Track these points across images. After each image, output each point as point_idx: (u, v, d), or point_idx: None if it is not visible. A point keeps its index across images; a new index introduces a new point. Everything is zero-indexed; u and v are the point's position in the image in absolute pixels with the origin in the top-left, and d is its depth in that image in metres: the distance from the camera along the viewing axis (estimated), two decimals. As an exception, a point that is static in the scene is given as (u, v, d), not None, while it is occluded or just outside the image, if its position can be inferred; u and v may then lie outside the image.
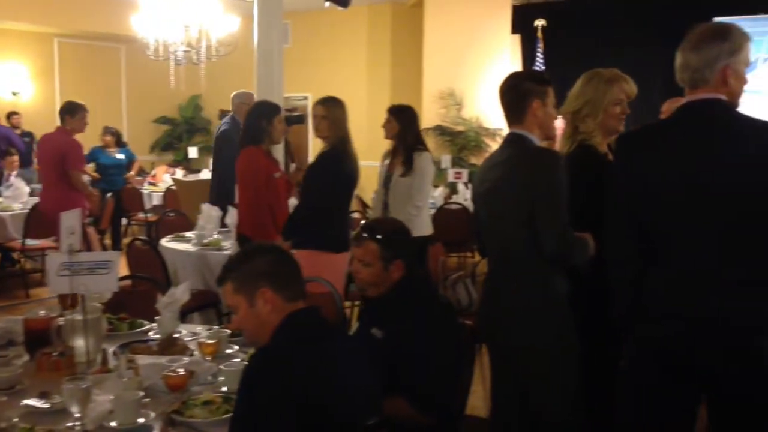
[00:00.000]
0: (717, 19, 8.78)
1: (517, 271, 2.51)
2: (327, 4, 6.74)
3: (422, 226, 4.73)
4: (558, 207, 2.40)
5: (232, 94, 6.35)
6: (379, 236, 2.44)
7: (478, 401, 4.01)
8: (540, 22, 9.30)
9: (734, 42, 2.12)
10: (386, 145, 5.03)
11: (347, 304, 4.62)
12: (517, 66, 9.54)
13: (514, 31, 9.66)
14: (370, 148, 9.20)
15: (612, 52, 9.46)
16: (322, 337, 1.89)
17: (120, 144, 8.77)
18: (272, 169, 4.24)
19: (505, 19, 9.53)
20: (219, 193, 5.88)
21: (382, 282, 2.43)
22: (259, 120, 4.26)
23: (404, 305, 2.39)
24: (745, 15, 8.73)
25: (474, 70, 9.40)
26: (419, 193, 4.71)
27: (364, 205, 7.17)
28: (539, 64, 9.17)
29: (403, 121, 4.74)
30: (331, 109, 4.02)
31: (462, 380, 2.51)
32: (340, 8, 6.86)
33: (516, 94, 2.56)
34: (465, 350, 2.53)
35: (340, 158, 3.99)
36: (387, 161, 4.92)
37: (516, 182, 2.46)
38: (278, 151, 4.77)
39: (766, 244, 2.07)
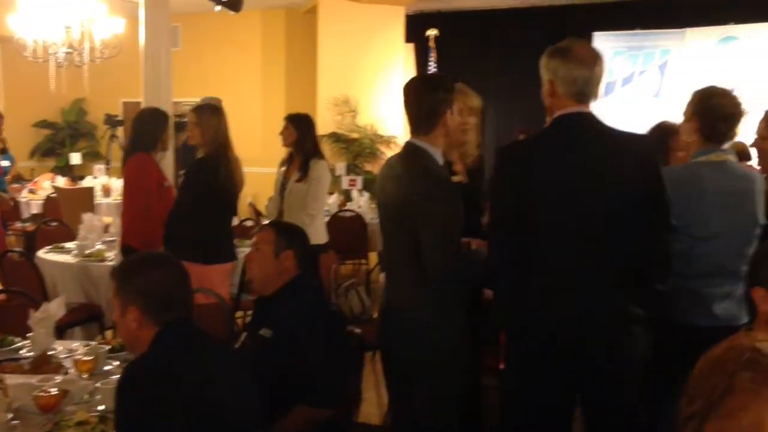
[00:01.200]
0: (596, 34, 9.29)
1: (411, 285, 2.52)
2: (217, 8, 6.60)
3: (317, 235, 4.71)
4: (445, 238, 2.41)
5: (200, 99, 6.19)
6: (278, 225, 2.54)
7: (371, 408, 4.03)
8: (432, 32, 9.49)
9: None
10: (282, 151, 4.99)
11: (239, 314, 4.54)
12: (411, 75, 9.69)
13: (408, 40, 9.81)
14: (265, 154, 9.09)
15: (501, 63, 9.82)
16: (199, 349, 1.85)
17: (3, 150, 8.28)
18: (163, 177, 4.11)
19: (398, 27, 9.65)
20: None
21: (272, 272, 2.41)
22: (149, 126, 4.12)
23: (294, 307, 2.37)
24: (623, 30, 9.23)
25: (368, 77, 9.47)
26: (314, 201, 4.70)
27: (258, 213, 7.06)
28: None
29: (300, 129, 4.74)
30: (202, 116, 3.95)
31: (350, 389, 2.50)
32: (231, 12, 6.74)
33: (430, 103, 2.49)
34: (352, 359, 2.53)
35: (212, 166, 3.90)
36: (284, 168, 4.89)
37: (407, 205, 2.46)
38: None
39: (634, 247, 2.20)
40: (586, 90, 2.23)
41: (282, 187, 4.79)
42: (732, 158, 2.66)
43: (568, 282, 2.20)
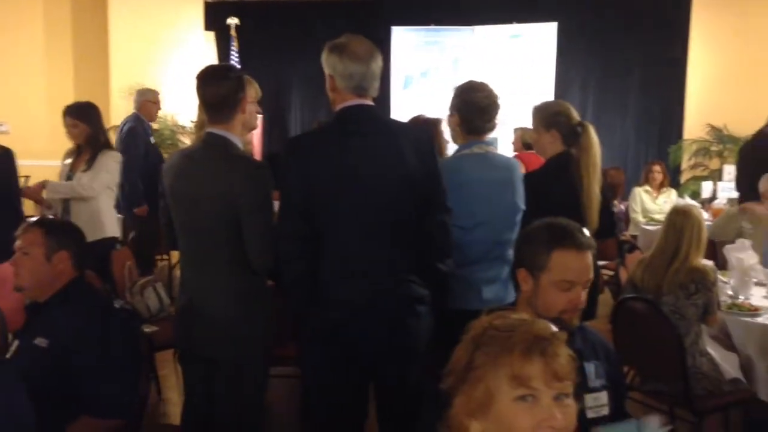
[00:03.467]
0: (394, 29, 9.60)
1: (217, 281, 2.46)
2: (-11, -14, 6.00)
3: (109, 227, 4.47)
4: (270, 221, 2.41)
5: (136, 91, 6.18)
6: (46, 224, 2.29)
7: (173, 408, 3.91)
8: (233, 21, 9.29)
9: None
10: (68, 142, 4.65)
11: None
12: (212, 63, 9.43)
13: (208, 27, 9.54)
14: (52, 146, 8.43)
15: (306, 54, 9.80)
16: None
17: None
18: None
19: (196, 15, 9.37)
20: (131, 193, 5.53)
21: (46, 277, 2.23)
22: None
23: (72, 312, 2.21)
24: (420, 25, 9.62)
25: (166, 66, 9.10)
26: (94, 181, 4.41)
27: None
28: (234, 62, 9.17)
29: (92, 123, 4.44)
30: None
31: (139, 389, 2.39)
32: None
33: (231, 91, 2.47)
34: (141, 359, 2.42)
35: None
36: (69, 160, 4.57)
37: (223, 194, 2.39)
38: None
39: (415, 231, 2.32)
40: (364, 84, 2.32)
41: (68, 180, 4.49)
42: (493, 149, 2.87)
43: (356, 267, 2.28)
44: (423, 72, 9.67)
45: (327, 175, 2.27)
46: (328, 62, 2.36)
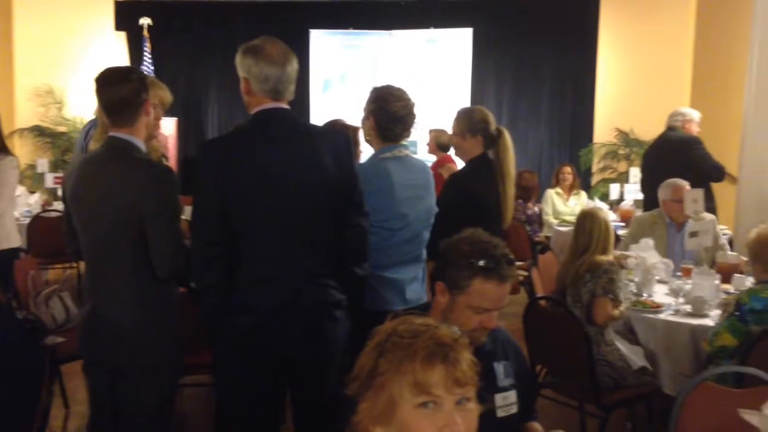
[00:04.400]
0: (313, 32, 9.57)
1: (121, 288, 2.38)
2: None
3: (8, 238, 4.26)
4: (176, 226, 2.37)
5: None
6: None
7: (82, 421, 3.77)
8: (146, 21, 9.05)
9: None
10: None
11: None
12: (124, 64, 9.14)
13: (119, 28, 9.26)
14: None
15: (223, 56, 9.64)
16: None
17: None
18: None
19: (106, 14, 9.08)
20: None
21: None
22: None
23: None
24: (338, 29, 9.62)
25: (75, 66, 8.77)
26: None
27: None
28: (147, 64, 8.93)
29: None
30: None
31: (40, 401, 2.30)
32: None
33: (132, 94, 2.39)
34: (43, 373, 2.32)
35: None
36: None
37: (126, 199, 2.32)
38: None
39: (332, 235, 2.32)
40: (280, 87, 2.30)
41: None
42: (409, 152, 2.94)
43: (273, 271, 2.26)
44: (342, 75, 9.67)
45: (243, 180, 2.23)
46: (242, 65, 2.32)
